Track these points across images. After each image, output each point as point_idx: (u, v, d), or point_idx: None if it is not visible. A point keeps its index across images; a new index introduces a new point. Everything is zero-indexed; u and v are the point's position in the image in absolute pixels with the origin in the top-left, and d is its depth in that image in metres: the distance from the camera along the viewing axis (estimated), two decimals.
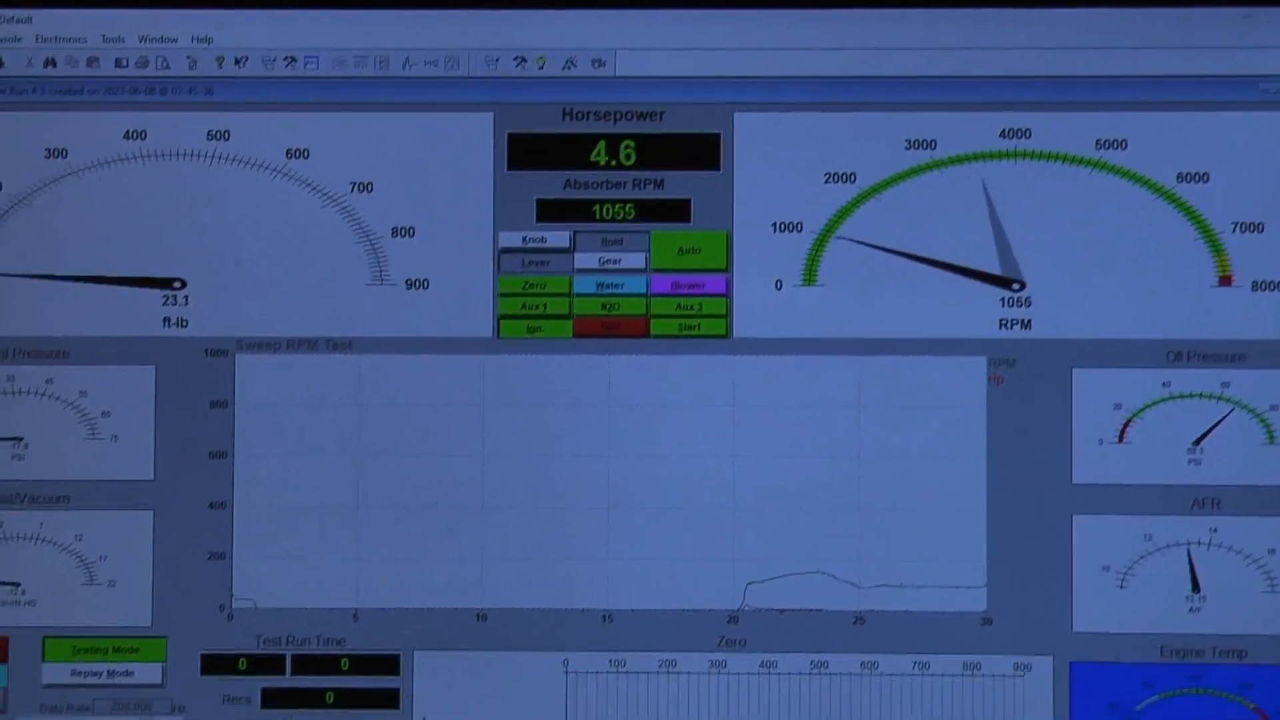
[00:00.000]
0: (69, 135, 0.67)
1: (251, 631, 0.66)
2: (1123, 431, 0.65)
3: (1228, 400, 0.65)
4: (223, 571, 0.66)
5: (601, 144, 0.67)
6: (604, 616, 0.66)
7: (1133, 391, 0.65)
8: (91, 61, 0.67)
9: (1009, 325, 0.65)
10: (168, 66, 0.67)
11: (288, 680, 0.66)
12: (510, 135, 0.67)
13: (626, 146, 0.67)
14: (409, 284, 0.66)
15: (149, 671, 0.66)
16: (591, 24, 0.67)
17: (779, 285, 0.66)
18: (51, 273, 0.66)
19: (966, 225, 0.66)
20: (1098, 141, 0.66)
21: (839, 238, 0.66)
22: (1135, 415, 0.65)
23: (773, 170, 0.66)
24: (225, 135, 0.67)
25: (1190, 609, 0.65)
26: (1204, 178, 0.66)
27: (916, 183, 0.66)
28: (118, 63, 0.67)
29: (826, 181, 0.66)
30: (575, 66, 0.67)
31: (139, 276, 0.66)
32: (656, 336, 0.66)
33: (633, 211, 0.66)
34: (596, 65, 0.67)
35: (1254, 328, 0.65)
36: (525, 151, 0.67)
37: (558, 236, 0.66)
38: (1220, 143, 0.66)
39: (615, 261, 0.66)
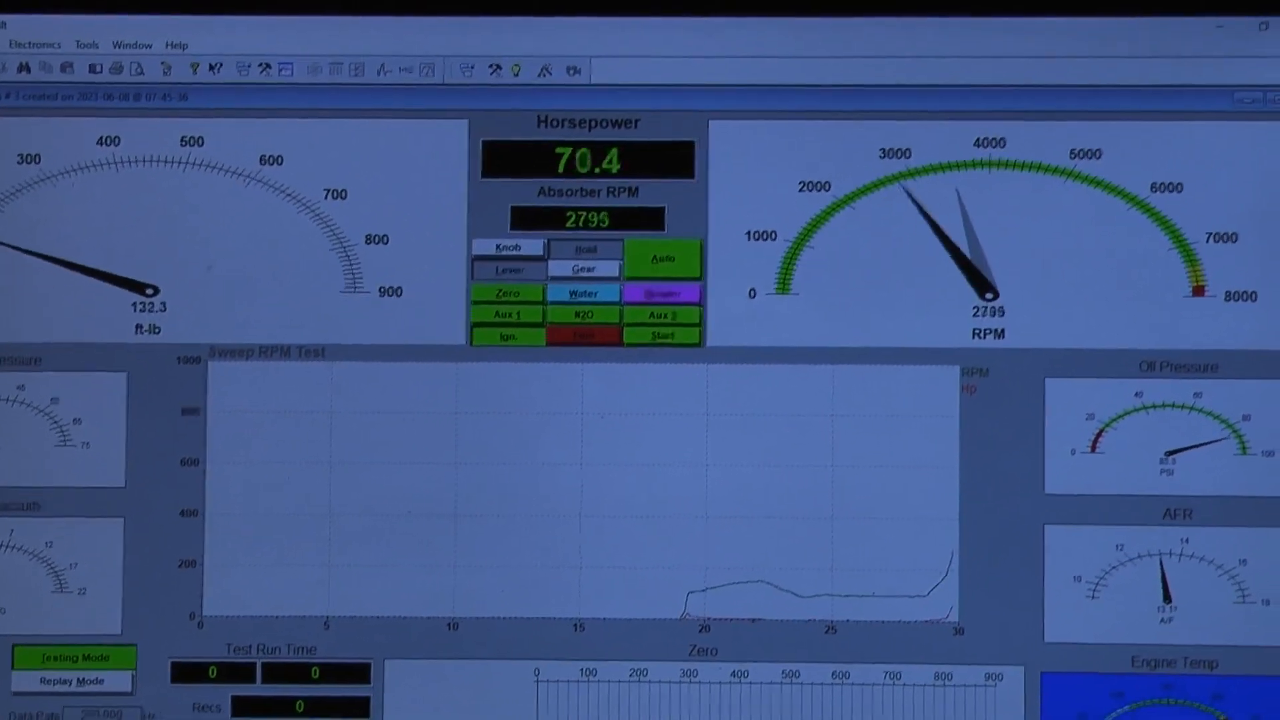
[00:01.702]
0: (42, 141, 0.67)
1: (222, 639, 0.66)
2: (1095, 441, 0.65)
3: (1200, 411, 0.65)
4: (193, 579, 0.66)
5: (576, 152, 0.67)
6: (575, 625, 0.66)
7: (1105, 402, 0.65)
8: (65, 67, 0.67)
9: (982, 335, 0.65)
10: (142, 72, 0.67)
11: (258, 688, 0.66)
12: (485, 143, 0.67)
13: (601, 154, 0.67)
14: (382, 291, 0.66)
15: (119, 679, 0.66)
16: (567, 32, 0.67)
17: (753, 294, 0.66)
18: (23, 279, 0.66)
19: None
20: (1072, 151, 0.66)
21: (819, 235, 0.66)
22: (1108, 425, 0.65)
23: (747, 178, 0.66)
24: (199, 141, 0.67)
25: (1161, 619, 0.65)
26: (1178, 188, 0.65)
27: (891, 191, 0.66)
28: (91, 68, 0.67)
29: (801, 190, 0.66)
30: (550, 74, 0.67)
31: (112, 274, 0.66)
32: (630, 345, 0.66)
33: (606, 219, 0.66)
34: (571, 73, 0.67)
35: (1227, 338, 0.65)
36: (499, 159, 0.67)
37: (531, 244, 0.66)
38: (1194, 153, 0.65)
39: (589, 270, 0.66)
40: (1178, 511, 0.65)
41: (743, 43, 0.66)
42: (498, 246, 0.66)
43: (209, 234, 0.66)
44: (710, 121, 0.66)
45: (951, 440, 0.65)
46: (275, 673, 0.66)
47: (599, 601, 0.65)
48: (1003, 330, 0.65)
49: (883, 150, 0.66)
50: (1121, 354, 0.65)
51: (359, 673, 0.66)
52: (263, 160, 0.67)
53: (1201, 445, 0.65)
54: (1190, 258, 0.65)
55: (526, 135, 0.67)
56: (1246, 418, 0.65)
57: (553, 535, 0.66)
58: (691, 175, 0.66)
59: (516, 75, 0.67)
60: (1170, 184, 0.66)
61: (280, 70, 0.67)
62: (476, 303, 0.66)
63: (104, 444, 0.66)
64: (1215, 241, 0.65)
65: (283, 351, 0.66)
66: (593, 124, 0.67)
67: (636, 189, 0.67)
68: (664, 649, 0.66)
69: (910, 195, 0.65)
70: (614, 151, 0.67)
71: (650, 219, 0.66)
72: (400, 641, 0.66)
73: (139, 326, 0.66)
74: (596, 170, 0.67)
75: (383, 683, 0.66)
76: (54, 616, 0.66)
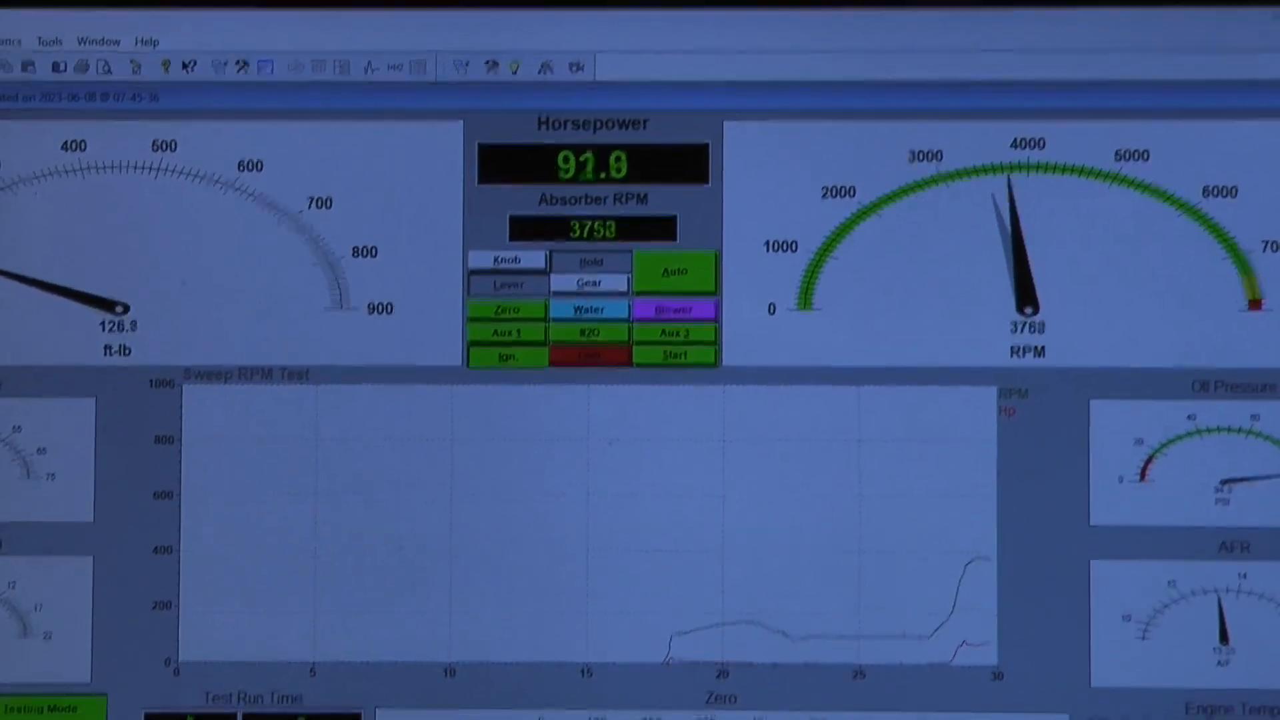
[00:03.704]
0: (1, 146, 0.65)
1: (200, 687, 0.64)
2: (1144, 469, 0.63)
3: (1257, 435, 0.63)
4: (168, 622, 0.64)
5: (580, 156, 0.65)
6: (583, 670, 0.64)
7: (1155, 425, 0.63)
8: (26, 65, 0.66)
9: (1021, 353, 0.64)
10: (109, 71, 0.66)
11: None
12: (481, 146, 0.65)
13: (607, 158, 0.65)
14: (371, 308, 0.65)
15: None
16: (569, 25, 0.65)
17: (772, 309, 0.65)
18: None
19: (975, 243, 0.65)
20: (1117, 153, 0.64)
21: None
22: (1158, 451, 0.63)
23: (765, 184, 0.65)
24: (172, 146, 0.65)
25: (1218, 662, 0.63)
26: (1232, 192, 0.64)
27: (921, 198, 0.64)
28: (55, 67, 0.66)
29: (824, 196, 0.65)
30: (551, 71, 0.66)
31: (79, 291, 0.65)
32: (639, 366, 0.65)
33: (614, 229, 0.65)
34: (574, 70, 0.65)
35: None
36: (497, 164, 0.65)
37: (532, 257, 0.65)
38: (1249, 154, 0.64)
39: (595, 284, 0.65)
40: (1234, 544, 0.63)
41: (760, 36, 0.65)
42: (496, 259, 0.65)
43: (183, 246, 0.65)
44: (725, 122, 0.65)
45: (989, 467, 0.63)
46: None
47: (608, 644, 0.64)
48: (1043, 348, 0.64)
49: (912, 153, 0.65)
50: (1172, 373, 0.64)
51: None
52: (241, 166, 0.65)
53: (1261, 479, 0.63)
54: (1245, 268, 0.64)
55: (526, 138, 0.65)
56: None
57: (557, 572, 0.64)
58: (705, 181, 0.65)
59: (515, 73, 0.66)
60: (1224, 188, 0.64)
61: (259, 69, 0.66)
62: (473, 320, 0.65)
63: (71, 475, 0.64)
64: (1272, 250, 0.64)
65: (264, 374, 0.65)
66: (598, 125, 0.65)
67: (646, 196, 0.65)
68: (679, 696, 0.64)
69: (1009, 189, 0.64)
70: (621, 155, 0.65)
71: (661, 229, 0.65)
72: (393, 689, 0.64)
73: (108, 348, 0.65)
74: (602, 176, 0.65)
75: None
76: (18, 663, 0.64)
